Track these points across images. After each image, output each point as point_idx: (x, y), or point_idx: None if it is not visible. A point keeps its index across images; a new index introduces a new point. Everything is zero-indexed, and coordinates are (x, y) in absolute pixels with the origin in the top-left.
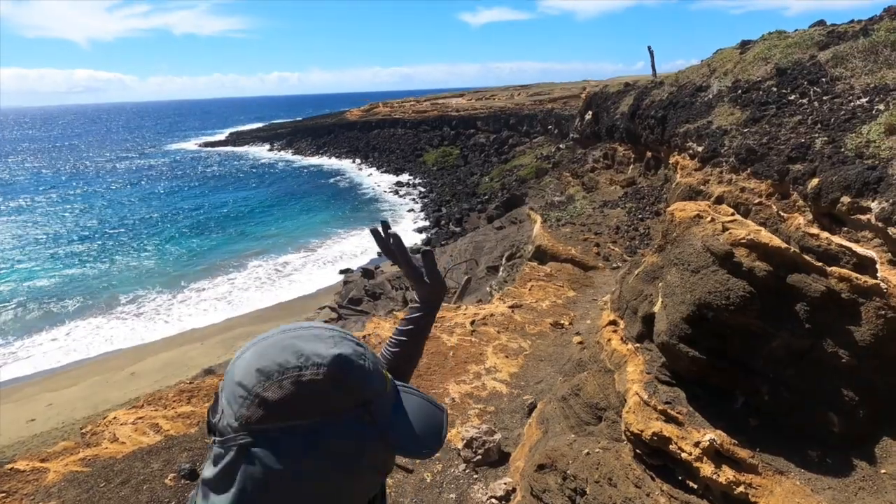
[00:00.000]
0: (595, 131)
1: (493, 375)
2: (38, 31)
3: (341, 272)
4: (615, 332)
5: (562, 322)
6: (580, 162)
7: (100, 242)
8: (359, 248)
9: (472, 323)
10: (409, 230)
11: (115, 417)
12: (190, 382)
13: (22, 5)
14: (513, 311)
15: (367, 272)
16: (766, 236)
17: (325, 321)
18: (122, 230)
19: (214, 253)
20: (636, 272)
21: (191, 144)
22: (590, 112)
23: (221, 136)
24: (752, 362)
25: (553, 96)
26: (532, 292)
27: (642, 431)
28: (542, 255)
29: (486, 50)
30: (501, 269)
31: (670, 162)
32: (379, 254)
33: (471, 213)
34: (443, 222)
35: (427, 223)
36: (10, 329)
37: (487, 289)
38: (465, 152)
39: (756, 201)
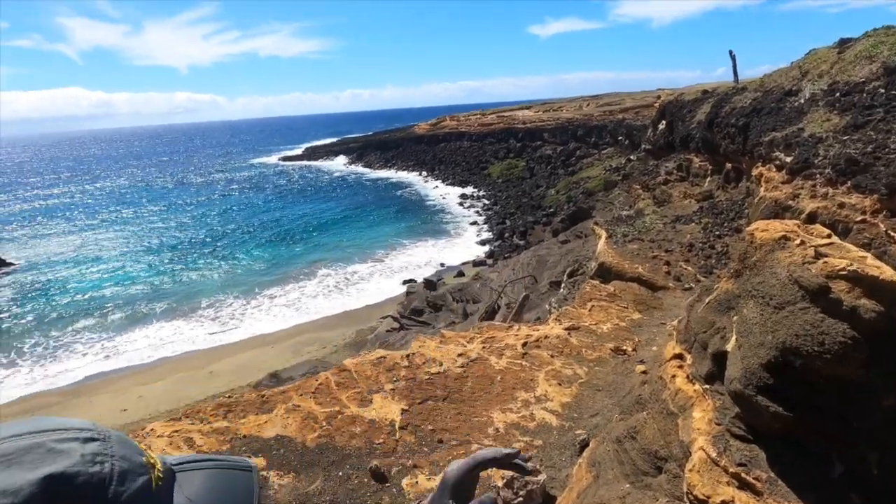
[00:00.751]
0: (669, 142)
1: (544, 405)
2: (146, 59)
3: (405, 282)
4: (680, 367)
5: (624, 348)
6: (652, 174)
7: (188, 252)
8: (423, 259)
9: (524, 345)
10: (472, 243)
11: (152, 429)
12: (228, 396)
13: (133, 38)
14: (569, 334)
15: (429, 283)
16: (873, 265)
17: (388, 330)
18: (209, 240)
19: (287, 262)
20: (707, 300)
21: (272, 159)
22: (663, 121)
23: (298, 151)
24: (855, 421)
25: (624, 106)
26: (592, 313)
27: (709, 498)
28: (605, 273)
29: (554, 61)
30: (563, 285)
31: (753, 174)
32: (442, 265)
33: (535, 226)
34: (506, 235)
35: (490, 235)
36: (110, 326)
37: (547, 306)
38: (531, 164)
39: (858, 219)
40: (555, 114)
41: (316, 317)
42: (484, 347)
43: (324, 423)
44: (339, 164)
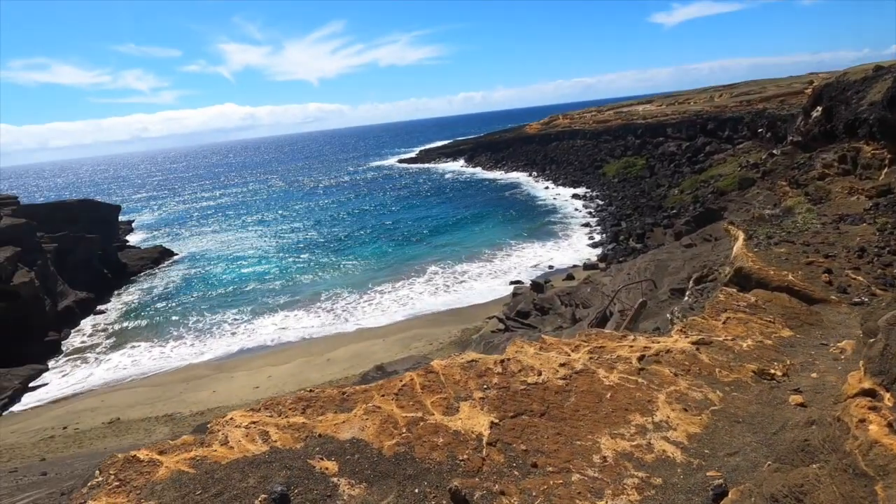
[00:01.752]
0: (826, 130)
1: (665, 433)
2: (285, 75)
3: (512, 283)
4: (874, 410)
5: (771, 371)
6: (803, 168)
7: (314, 250)
8: (531, 260)
9: (641, 359)
10: (583, 244)
11: (231, 418)
12: (310, 391)
13: (274, 56)
14: (698, 349)
15: (536, 285)
16: None
17: (493, 331)
18: (331, 240)
19: (399, 260)
20: None
21: (390, 161)
22: (819, 107)
23: (413, 154)
24: None
25: (765, 95)
26: (728, 327)
27: None
28: (743, 280)
29: (680, 50)
30: (688, 293)
31: None
32: (550, 267)
33: (654, 229)
34: (621, 237)
35: (603, 237)
36: (249, 312)
37: (668, 315)
38: (652, 162)
39: None
40: (680, 107)
41: (424, 313)
42: (591, 358)
43: (404, 430)
44: (450, 165)
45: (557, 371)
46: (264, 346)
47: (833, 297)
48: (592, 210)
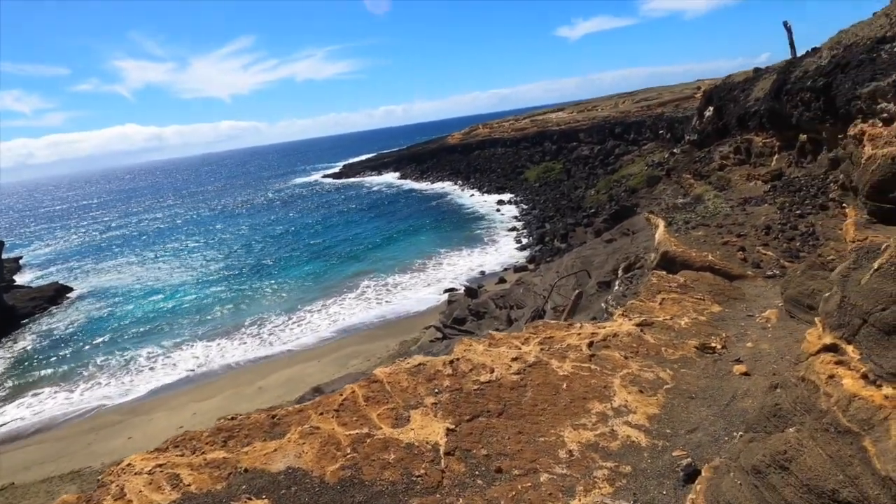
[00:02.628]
0: (719, 127)
1: (625, 418)
2: (193, 93)
3: (446, 291)
4: (841, 363)
5: (712, 345)
6: (704, 161)
7: (235, 275)
8: (463, 267)
9: (591, 345)
10: (511, 248)
11: (129, 464)
12: (232, 418)
13: (180, 73)
14: (642, 331)
15: (470, 291)
16: None
17: (431, 340)
18: (253, 263)
19: (328, 278)
20: (876, 265)
21: (314, 177)
22: (710, 108)
23: (337, 169)
24: None
25: (662, 100)
26: (664, 307)
27: None
28: (669, 264)
29: (585, 62)
30: (617, 283)
31: (850, 134)
32: (482, 272)
33: (576, 228)
34: (546, 239)
35: (530, 240)
36: (165, 347)
37: (603, 305)
38: (568, 166)
39: None
40: (590, 113)
41: (359, 330)
42: (543, 349)
43: (348, 451)
44: (376, 179)
45: (510, 366)
46: (186, 381)
47: (749, 273)
48: (518, 214)
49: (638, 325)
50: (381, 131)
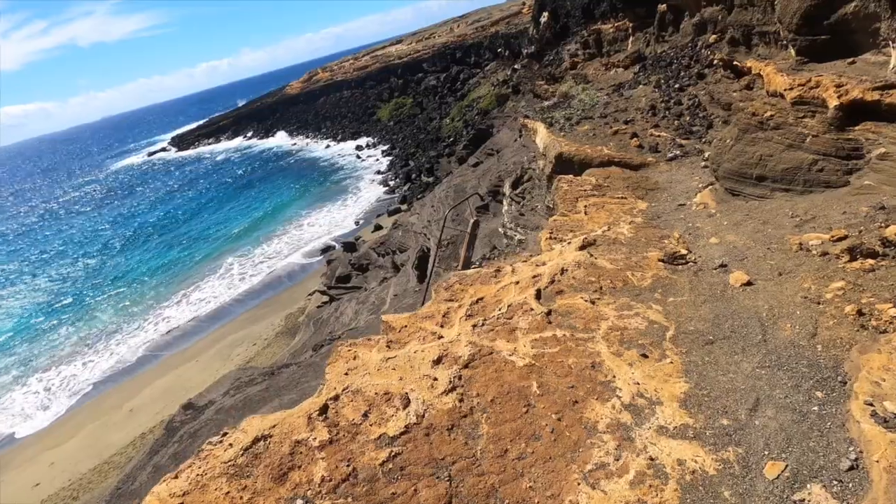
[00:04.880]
0: (557, 31)
1: (653, 420)
2: None
3: (323, 252)
4: None
5: (679, 252)
6: (553, 64)
7: (70, 288)
8: (334, 222)
9: (539, 296)
10: (380, 192)
11: None
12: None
13: None
14: (591, 255)
15: (348, 245)
16: None
17: (318, 306)
18: (90, 269)
19: (186, 266)
20: None
21: (137, 158)
22: (545, 13)
23: (165, 143)
24: None
25: (494, 19)
26: (591, 216)
27: None
28: (566, 166)
29: None
30: (506, 202)
31: None
32: (357, 222)
33: (440, 160)
34: (413, 176)
35: (397, 181)
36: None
37: (500, 230)
38: (419, 98)
39: None
40: (428, 41)
41: (235, 314)
42: (475, 327)
43: None
44: (216, 147)
45: (435, 380)
46: (34, 427)
47: (650, 159)
48: (379, 156)
49: (581, 247)
50: (208, 92)
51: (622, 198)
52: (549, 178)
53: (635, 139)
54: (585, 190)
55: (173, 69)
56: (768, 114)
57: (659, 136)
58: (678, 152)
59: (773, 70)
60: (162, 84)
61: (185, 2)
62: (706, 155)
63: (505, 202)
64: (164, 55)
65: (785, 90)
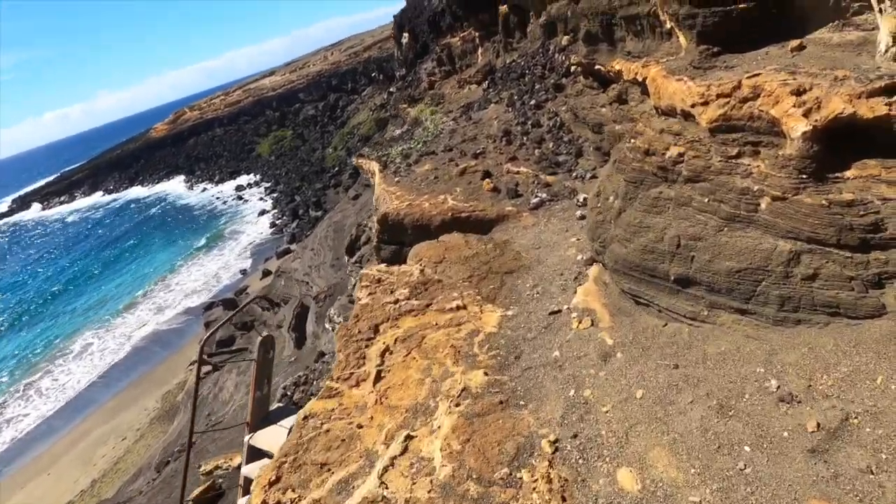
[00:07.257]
0: (418, 50)
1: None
2: None
3: (205, 310)
4: None
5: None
6: (413, 85)
7: None
8: (213, 274)
9: None
10: (266, 233)
11: None
12: None
13: None
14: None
15: (229, 303)
16: None
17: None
18: None
19: (33, 350)
20: None
21: None
22: (405, 34)
23: (4, 207)
24: None
25: (366, 45)
26: (382, 401)
27: None
28: (395, 232)
29: (289, 19)
30: (349, 272)
31: None
32: (243, 271)
33: (327, 191)
34: (301, 212)
35: (284, 218)
36: None
37: (328, 325)
38: (299, 129)
39: None
40: (303, 71)
41: (100, 403)
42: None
43: None
44: (69, 206)
45: None
46: None
47: (509, 208)
48: (262, 195)
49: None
50: (58, 144)
51: (458, 308)
52: (377, 249)
53: (488, 180)
54: (397, 303)
55: (14, 121)
56: (673, 151)
57: (518, 172)
58: (544, 195)
59: (661, 72)
60: (1, 138)
61: (20, 47)
62: (581, 198)
63: (349, 270)
64: (1, 105)
65: (693, 105)
